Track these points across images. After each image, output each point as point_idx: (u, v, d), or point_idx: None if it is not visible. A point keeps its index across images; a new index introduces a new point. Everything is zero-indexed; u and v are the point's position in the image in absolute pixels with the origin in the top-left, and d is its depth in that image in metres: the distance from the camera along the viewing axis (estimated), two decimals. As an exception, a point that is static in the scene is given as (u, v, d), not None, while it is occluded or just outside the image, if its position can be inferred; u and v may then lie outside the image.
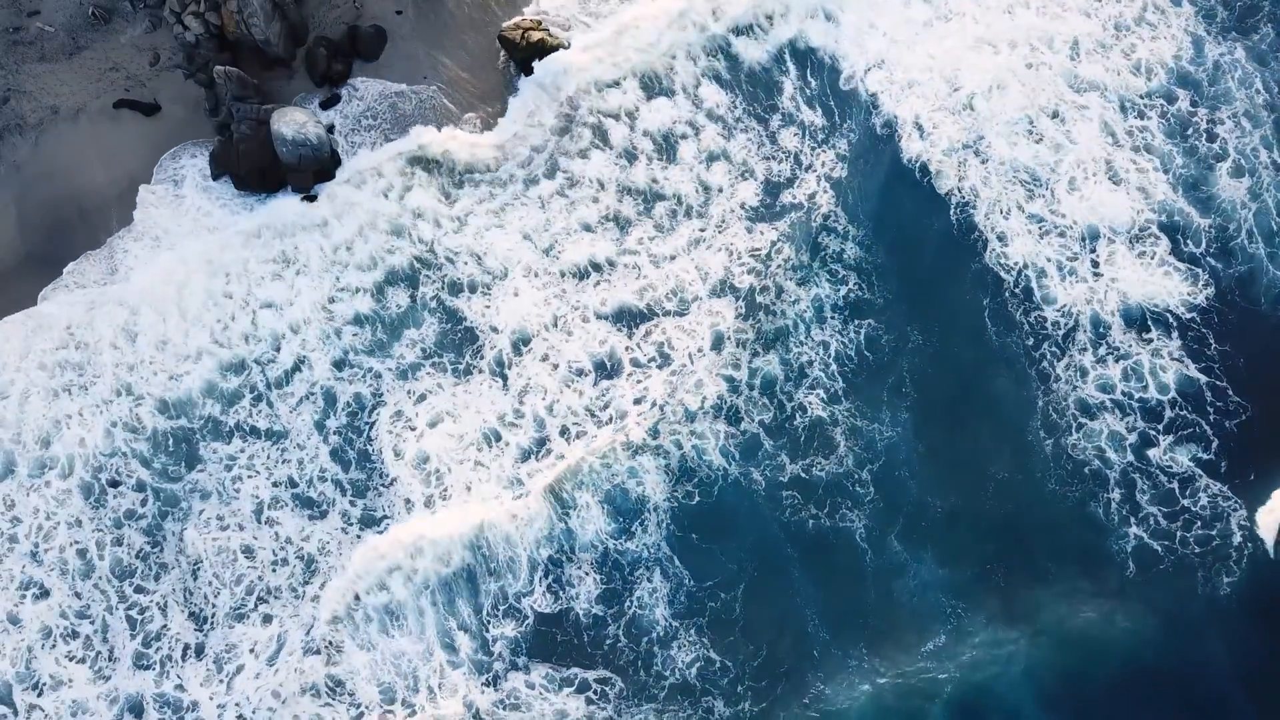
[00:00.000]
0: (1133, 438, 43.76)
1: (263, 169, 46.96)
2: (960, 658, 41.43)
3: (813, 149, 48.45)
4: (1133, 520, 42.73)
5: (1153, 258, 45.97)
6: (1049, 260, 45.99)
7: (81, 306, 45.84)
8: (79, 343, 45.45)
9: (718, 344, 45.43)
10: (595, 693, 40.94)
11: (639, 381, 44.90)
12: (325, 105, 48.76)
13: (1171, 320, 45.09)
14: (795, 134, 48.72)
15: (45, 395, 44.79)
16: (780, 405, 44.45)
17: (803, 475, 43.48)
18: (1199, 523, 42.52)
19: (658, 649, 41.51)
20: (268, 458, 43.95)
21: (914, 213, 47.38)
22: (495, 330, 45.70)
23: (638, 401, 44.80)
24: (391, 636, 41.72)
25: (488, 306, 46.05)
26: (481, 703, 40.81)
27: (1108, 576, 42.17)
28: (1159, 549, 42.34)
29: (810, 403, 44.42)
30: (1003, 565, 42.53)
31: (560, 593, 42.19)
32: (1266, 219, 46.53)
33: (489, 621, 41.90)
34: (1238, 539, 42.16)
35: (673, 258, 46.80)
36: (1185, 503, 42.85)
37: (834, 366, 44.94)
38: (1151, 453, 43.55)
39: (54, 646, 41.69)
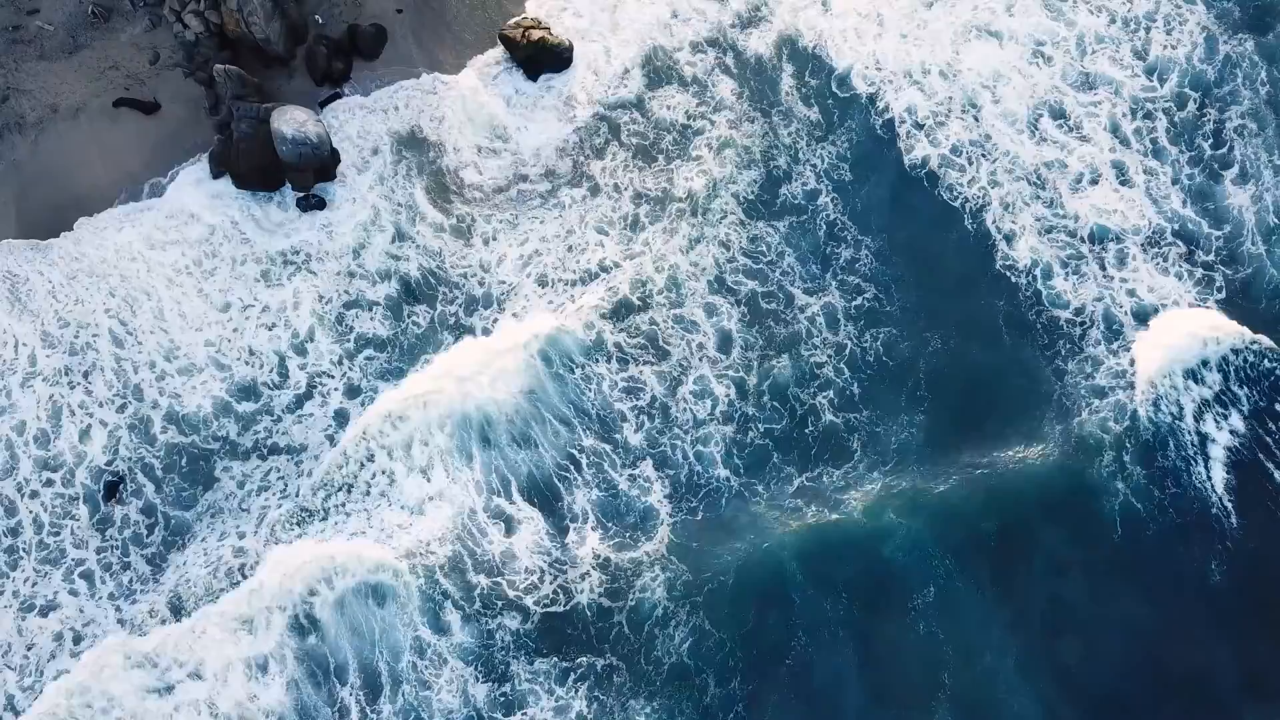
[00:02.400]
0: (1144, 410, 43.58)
1: (263, 168, 46.73)
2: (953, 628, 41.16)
3: (811, 147, 48.25)
4: (1120, 478, 42.58)
5: (1164, 259, 45.73)
6: (1057, 260, 45.75)
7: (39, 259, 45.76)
8: (78, 324, 45.12)
9: (724, 346, 45.12)
10: (600, 677, 40.53)
11: (628, 371, 44.65)
12: (325, 104, 48.58)
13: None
14: (795, 132, 48.53)
15: (49, 379, 44.35)
16: (792, 411, 44.02)
17: (809, 484, 43.12)
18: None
19: (658, 630, 41.14)
20: (282, 474, 43.33)
21: (923, 217, 47.14)
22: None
23: (629, 392, 44.53)
24: (375, 625, 41.35)
25: (496, 321, 45.66)
26: (477, 692, 40.51)
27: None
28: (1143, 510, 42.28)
29: (821, 404, 44.08)
30: (1003, 546, 42.25)
31: (562, 596, 41.77)
32: (1266, 219, 46.25)
33: (481, 616, 41.40)
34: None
35: (675, 255, 46.60)
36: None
37: (848, 372, 44.57)
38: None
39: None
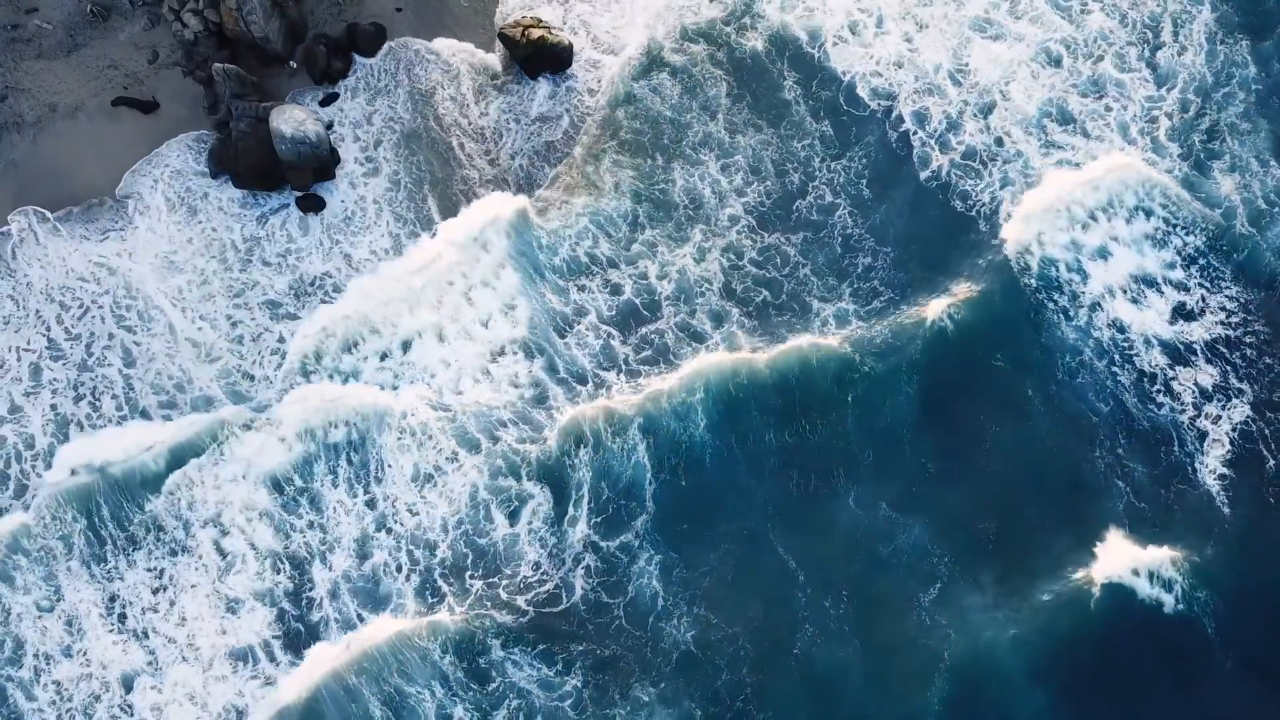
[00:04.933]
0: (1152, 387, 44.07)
1: (261, 166, 46.64)
2: (954, 620, 41.08)
3: (823, 160, 47.98)
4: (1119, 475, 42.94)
5: (1165, 248, 45.87)
6: (1067, 255, 45.79)
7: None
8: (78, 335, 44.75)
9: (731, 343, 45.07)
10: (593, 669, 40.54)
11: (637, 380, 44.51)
12: (324, 103, 48.48)
13: (1185, 317, 45.01)
14: (805, 141, 48.29)
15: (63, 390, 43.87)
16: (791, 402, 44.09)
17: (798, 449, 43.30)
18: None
19: (660, 622, 41.06)
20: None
21: (939, 222, 46.95)
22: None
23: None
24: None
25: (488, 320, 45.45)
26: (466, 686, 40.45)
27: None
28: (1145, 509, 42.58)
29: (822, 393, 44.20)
30: (998, 532, 42.32)
31: (559, 587, 41.63)
32: (1257, 208, 46.52)
33: (478, 608, 41.27)
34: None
35: (680, 261, 46.30)
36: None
37: (853, 361, 44.49)
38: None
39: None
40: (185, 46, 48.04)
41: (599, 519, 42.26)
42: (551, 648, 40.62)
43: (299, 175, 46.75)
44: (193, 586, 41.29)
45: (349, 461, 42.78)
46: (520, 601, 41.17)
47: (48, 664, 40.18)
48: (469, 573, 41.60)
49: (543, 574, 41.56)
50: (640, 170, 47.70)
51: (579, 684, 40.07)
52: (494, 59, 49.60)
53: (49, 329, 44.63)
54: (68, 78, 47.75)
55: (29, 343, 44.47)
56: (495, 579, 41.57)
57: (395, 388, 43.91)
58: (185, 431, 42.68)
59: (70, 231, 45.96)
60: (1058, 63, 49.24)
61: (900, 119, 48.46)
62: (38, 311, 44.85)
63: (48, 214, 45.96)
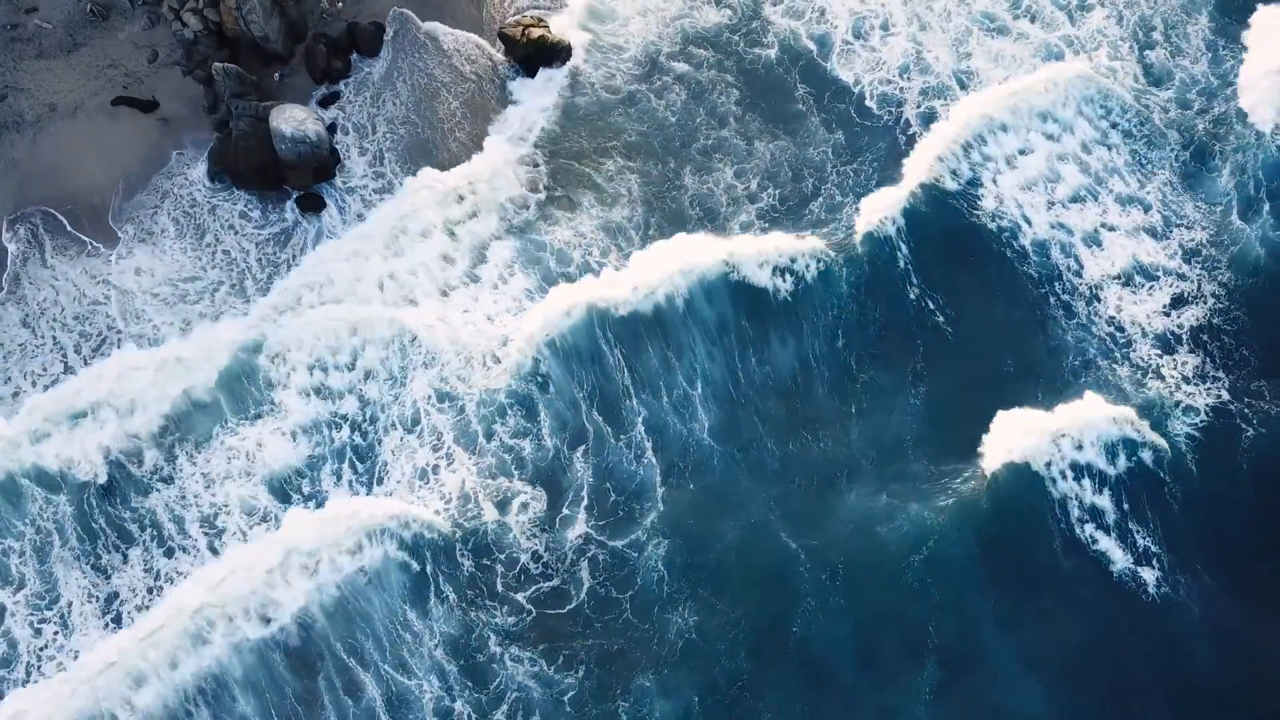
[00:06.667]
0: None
1: (261, 166, 46.47)
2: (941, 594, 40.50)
3: (834, 167, 47.89)
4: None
5: (1162, 243, 46.07)
6: (1071, 249, 45.97)
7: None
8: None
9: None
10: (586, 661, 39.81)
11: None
12: (325, 103, 48.37)
13: (1189, 320, 44.78)
14: (820, 149, 48.22)
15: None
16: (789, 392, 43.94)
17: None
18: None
19: (668, 614, 40.37)
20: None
21: (951, 224, 46.82)
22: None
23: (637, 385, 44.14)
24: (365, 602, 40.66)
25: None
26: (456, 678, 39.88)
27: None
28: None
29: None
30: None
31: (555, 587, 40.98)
32: (1250, 203, 46.51)
33: (471, 604, 40.54)
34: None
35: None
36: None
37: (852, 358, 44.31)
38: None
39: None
40: (185, 46, 47.98)
41: (598, 486, 41.92)
42: (554, 645, 40.04)
43: (299, 175, 46.60)
44: (186, 579, 40.75)
45: (353, 468, 42.38)
46: (519, 597, 40.69)
47: (39, 662, 39.76)
48: (465, 564, 41.19)
49: (544, 566, 41.10)
50: (650, 177, 47.48)
51: (580, 677, 39.60)
52: (498, 55, 49.50)
53: (65, 354, 44.05)
54: (68, 77, 47.66)
55: (45, 368, 43.99)
56: (494, 575, 41.13)
57: (403, 376, 43.50)
58: (186, 350, 42.70)
59: (77, 251, 45.61)
60: (1060, 60, 49.46)
61: (908, 123, 48.52)
62: (54, 338, 44.39)
63: (55, 212, 45.69)
